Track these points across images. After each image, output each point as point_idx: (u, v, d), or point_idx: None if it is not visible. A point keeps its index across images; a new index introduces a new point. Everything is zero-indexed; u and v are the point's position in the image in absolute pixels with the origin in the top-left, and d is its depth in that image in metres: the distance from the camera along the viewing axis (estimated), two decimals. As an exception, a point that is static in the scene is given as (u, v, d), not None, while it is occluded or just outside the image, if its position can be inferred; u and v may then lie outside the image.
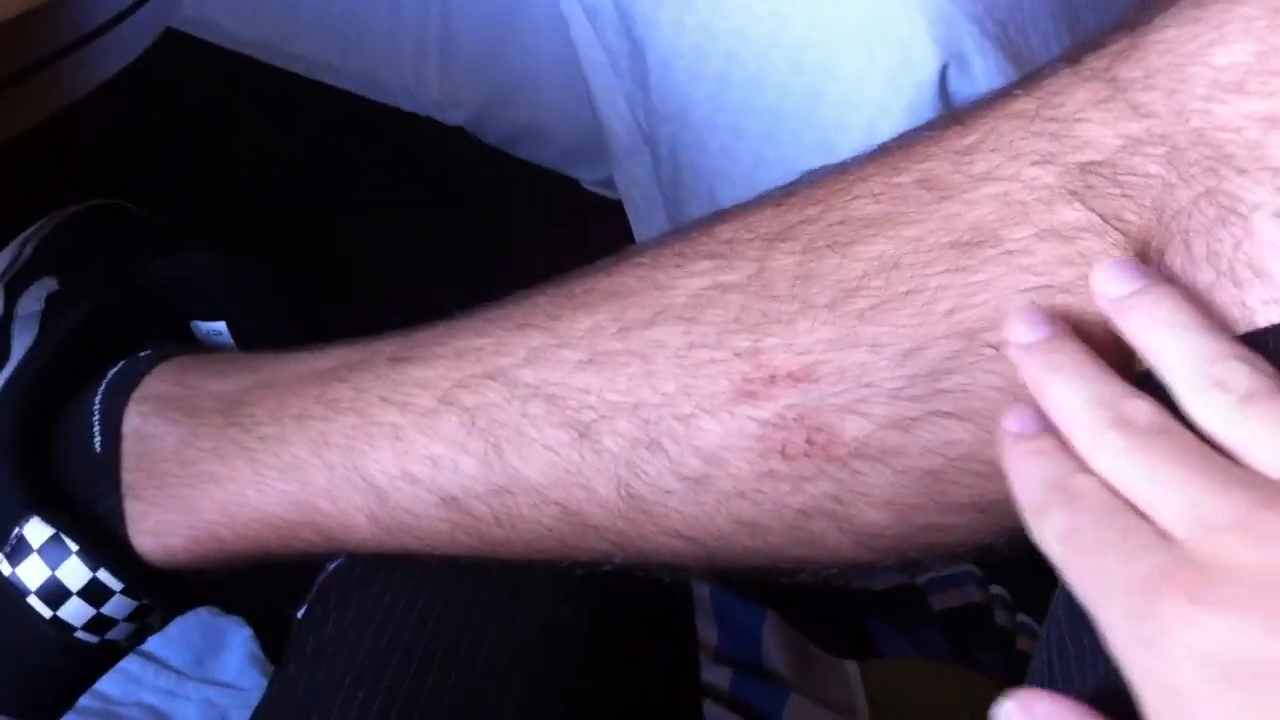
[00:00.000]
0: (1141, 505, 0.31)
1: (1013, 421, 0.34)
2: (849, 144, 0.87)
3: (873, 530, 0.39)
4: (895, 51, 0.87)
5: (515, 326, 0.43)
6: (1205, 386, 0.32)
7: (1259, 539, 0.28)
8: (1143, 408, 0.32)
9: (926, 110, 0.86)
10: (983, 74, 0.87)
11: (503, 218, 1.05)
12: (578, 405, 0.41)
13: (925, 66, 0.85)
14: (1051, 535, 0.31)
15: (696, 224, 0.43)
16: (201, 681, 0.96)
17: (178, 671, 0.95)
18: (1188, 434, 0.31)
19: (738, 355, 0.40)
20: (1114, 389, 0.33)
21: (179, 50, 0.75)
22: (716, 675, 0.75)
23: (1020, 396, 0.36)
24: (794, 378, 0.39)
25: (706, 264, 0.41)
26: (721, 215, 0.43)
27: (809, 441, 0.39)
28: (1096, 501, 0.31)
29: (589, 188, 1.09)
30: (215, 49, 1.04)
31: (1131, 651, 0.29)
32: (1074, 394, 0.33)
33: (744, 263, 0.41)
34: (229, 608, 0.95)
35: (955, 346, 0.38)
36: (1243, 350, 0.32)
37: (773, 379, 0.39)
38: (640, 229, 1.00)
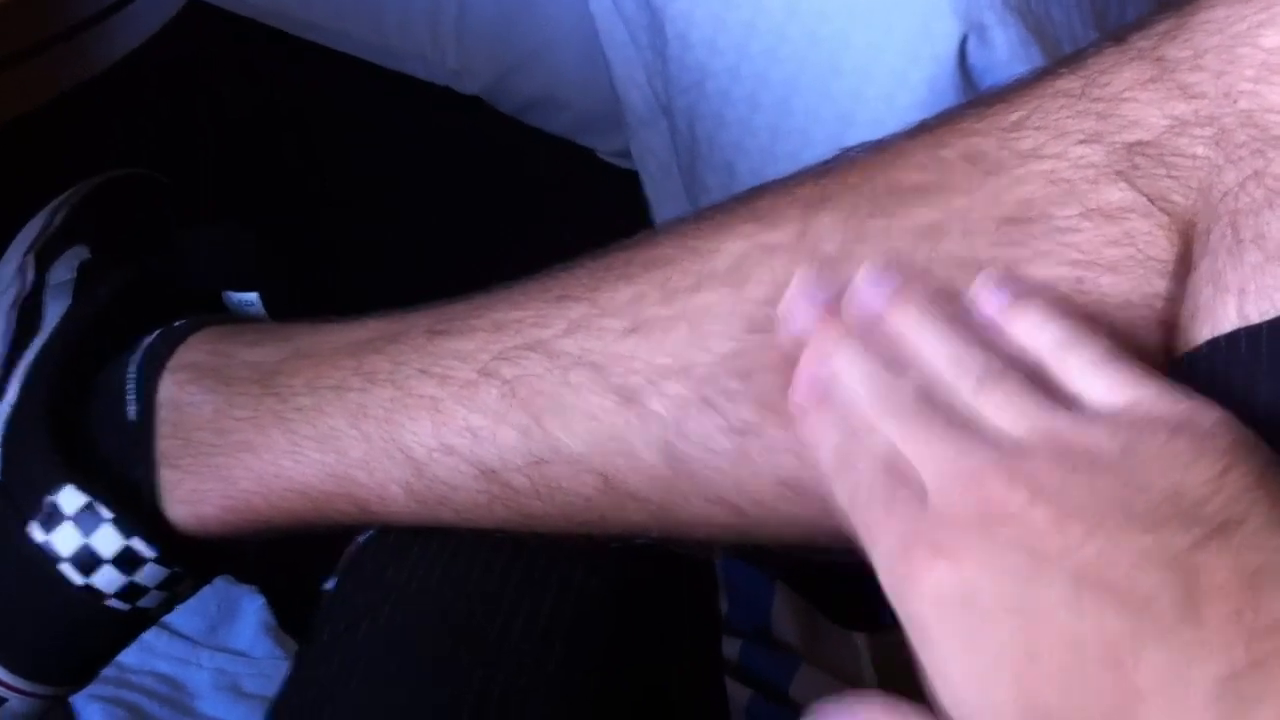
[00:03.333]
0: (907, 466, 0.35)
1: (801, 393, 0.38)
2: (867, 116, 0.87)
3: None
4: (914, 22, 0.86)
5: (554, 298, 0.43)
6: (957, 373, 0.36)
7: (983, 495, 0.33)
8: (907, 387, 0.36)
9: (946, 82, 0.85)
10: (1004, 45, 0.87)
11: (518, 187, 1.05)
12: (623, 371, 0.41)
13: (945, 38, 0.85)
14: (842, 494, 0.36)
15: (734, 198, 0.43)
16: (214, 649, 0.97)
17: (191, 639, 0.96)
18: (945, 407, 0.35)
19: (794, 309, 0.40)
20: (890, 366, 0.36)
21: (195, 18, 0.74)
22: (727, 646, 0.75)
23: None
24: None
25: (748, 227, 0.41)
26: (758, 189, 0.43)
27: None
28: (871, 465, 0.35)
29: (604, 158, 1.08)
30: (230, 16, 1.03)
31: (894, 594, 0.33)
32: (856, 368, 0.37)
33: (786, 223, 0.41)
34: (243, 576, 0.96)
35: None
36: (977, 338, 0.36)
37: (829, 327, 0.39)
38: (656, 199, 1.00)
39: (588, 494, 0.42)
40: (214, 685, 0.96)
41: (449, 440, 0.43)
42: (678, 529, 0.42)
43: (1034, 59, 0.86)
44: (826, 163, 0.42)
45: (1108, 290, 0.37)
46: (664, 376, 0.41)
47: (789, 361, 0.39)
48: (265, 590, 0.98)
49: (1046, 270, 0.37)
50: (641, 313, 0.41)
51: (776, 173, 0.98)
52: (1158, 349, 0.37)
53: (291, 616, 0.97)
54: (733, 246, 0.41)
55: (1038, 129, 0.38)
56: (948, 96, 0.86)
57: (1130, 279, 0.37)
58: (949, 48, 0.84)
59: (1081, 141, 0.38)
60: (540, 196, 1.05)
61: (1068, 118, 0.38)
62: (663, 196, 1.00)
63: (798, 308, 0.39)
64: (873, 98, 0.87)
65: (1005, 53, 0.85)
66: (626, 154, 1.04)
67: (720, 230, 0.42)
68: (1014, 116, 0.39)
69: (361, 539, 0.47)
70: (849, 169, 0.41)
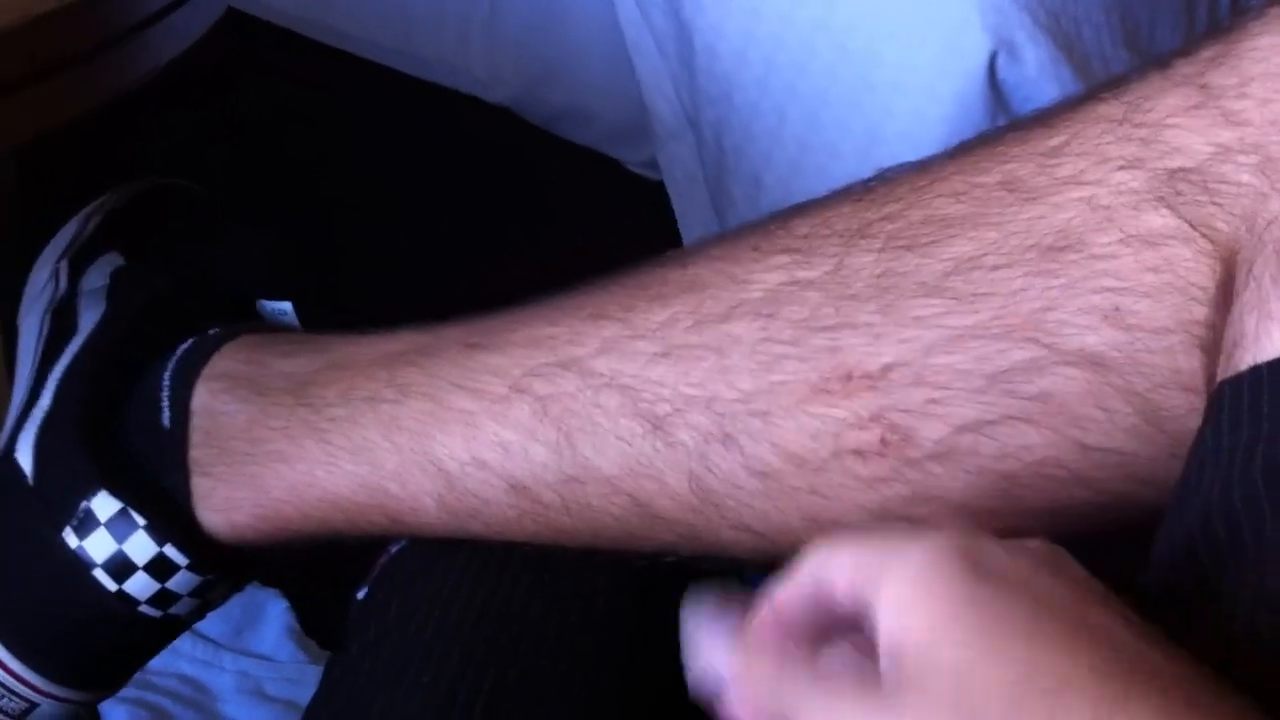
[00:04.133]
0: None
1: None
2: (895, 130, 0.87)
3: None
4: (944, 38, 0.86)
5: (588, 316, 0.43)
6: None
7: None
8: None
9: (975, 97, 0.85)
10: (1033, 62, 0.87)
11: (545, 197, 1.05)
12: (652, 398, 0.41)
13: (974, 54, 0.85)
14: None
15: (772, 219, 0.44)
16: (238, 653, 0.97)
17: (215, 642, 0.96)
18: None
19: (815, 353, 0.40)
20: None
21: (222, 23, 0.75)
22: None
23: (1107, 407, 0.36)
24: (870, 378, 0.39)
25: (784, 258, 0.42)
26: (799, 210, 0.43)
27: (884, 442, 0.39)
28: None
29: (632, 169, 1.08)
30: (258, 23, 1.03)
31: None
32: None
33: (822, 259, 0.41)
34: (267, 580, 0.96)
35: (1034, 352, 0.38)
36: None
37: (849, 378, 0.39)
38: (683, 211, 1.00)
39: (617, 514, 0.42)
40: (237, 688, 0.96)
41: (481, 454, 0.43)
42: (706, 550, 0.43)
43: (1063, 77, 0.86)
44: (867, 184, 0.43)
45: (1145, 316, 0.37)
46: (690, 406, 0.41)
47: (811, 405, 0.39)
48: (289, 594, 0.98)
49: (1084, 299, 0.37)
50: (672, 338, 0.42)
51: (803, 186, 0.98)
52: (1195, 374, 0.36)
53: (315, 621, 0.97)
54: (768, 278, 0.41)
55: (1078, 155, 0.38)
56: (977, 112, 0.86)
57: (1168, 306, 0.37)
58: (978, 63, 0.84)
59: (1122, 167, 0.38)
60: (567, 207, 1.05)
61: (1109, 143, 0.38)
62: (689, 207, 1.00)
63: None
64: (902, 112, 0.87)
65: (1035, 69, 0.85)
66: (654, 165, 1.04)
67: (757, 259, 0.42)
68: (1054, 142, 0.39)
69: (394, 549, 0.47)
70: (887, 196, 0.41)
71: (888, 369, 0.39)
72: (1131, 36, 0.92)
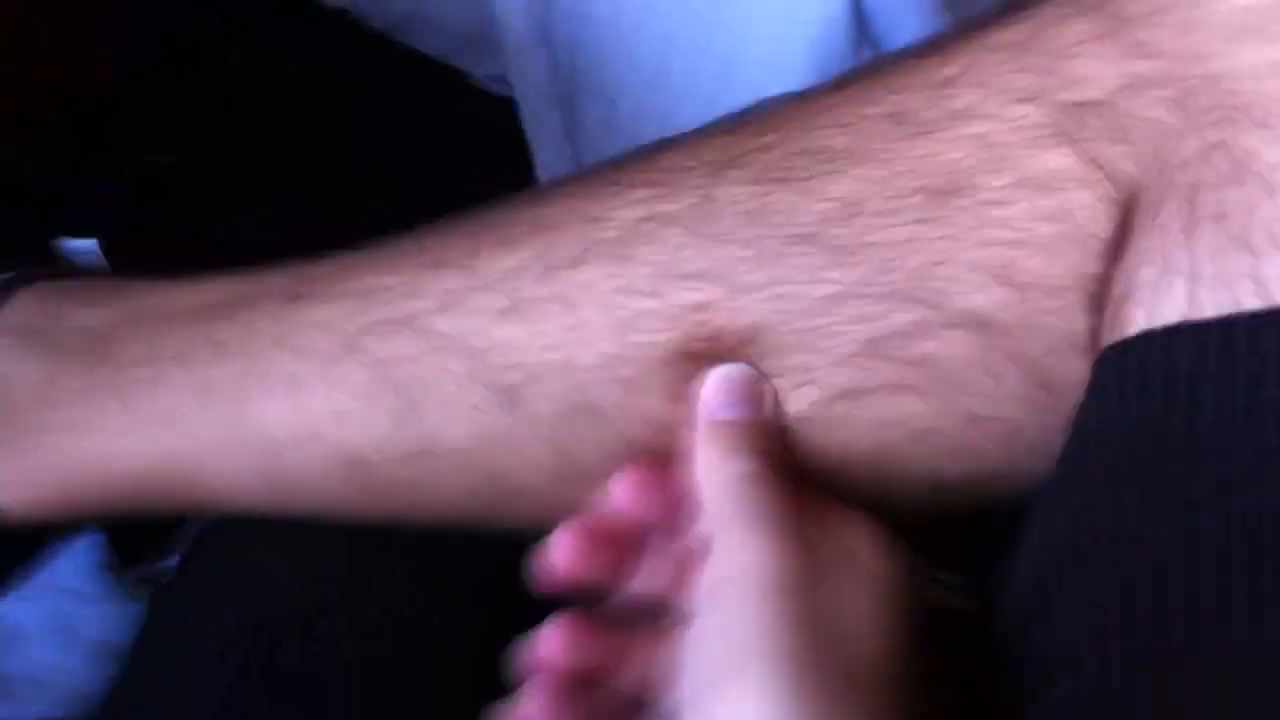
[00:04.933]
0: None
1: None
2: (755, 54, 0.84)
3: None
4: (808, -43, 0.83)
5: (429, 263, 0.39)
6: None
7: None
8: None
9: (838, 23, 0.83)
10: None
11: (386, 107, 0.99)
12: (502, 363, 0.37)
13: (842, -24, 0.82)
14: None
15: (638, 152, 0.40)
16: (46, 589, 0.91)
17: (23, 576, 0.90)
18: None
19: (678, 309, 0.36)
20: None
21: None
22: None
23: (996, 373, 0.34)
24: (741, 339, 0.36)
25: (644, 192, 0.38)
26: (667, 142, 0.39)
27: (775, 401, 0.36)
28: None
29: (481, 83, 1.03)
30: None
31: None
32: None
33: (686, 191, 0.37)
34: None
35: (919, 314, 0.35)
36: None
37: (718, 339, 0.36)
38: (535, 131, 0.95)
39: (471, 488, 0.38)
40: (49, 626, 0.90)
41: (311, 424, 0.39)
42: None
43: (925, 6, 0.84)
44: (743, 114, 0.39)
45: (1039, 273, 0.34)
46: (546, 374, 0.37)
47: (676, 370, 0.36)
48: (104, 527, 0.92)
49: (973, 252, 0.34)
50: (520, 289, 0.38)
51: (658, 109, 0.94)
52: (1084, 335, 0.34)
53: (130, 557, 0.91)
54: (625, 214, 0.37)
55: (974, 85, 0.35)
56: (840, 39, 0.83)
57: (1065, 260, 0.34)
58: None
59: (1021, 100, 0.34)
60: (410, 118, 1.00)
61: (1008, 73, 0.34)
62: (540, 127, 0.95)
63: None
64: (763, 36, 0.84)
65: None
66: (504, 79, 0.99)
67: (616, 193, 0.38)
68: (948, 70, 0.35)
69: (202, 523, 0.42)
70: (764, 125, 0.37)
71: (758, 329, 0.36)
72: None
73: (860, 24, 0.87)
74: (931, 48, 0.36)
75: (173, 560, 0.42)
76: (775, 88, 0.86)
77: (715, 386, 0.36)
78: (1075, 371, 0.34)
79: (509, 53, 0.96)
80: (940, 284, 0.34)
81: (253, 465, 0.40)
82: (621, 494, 0.36)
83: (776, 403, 0.36)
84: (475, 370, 0.37)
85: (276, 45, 0.97)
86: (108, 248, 0.47)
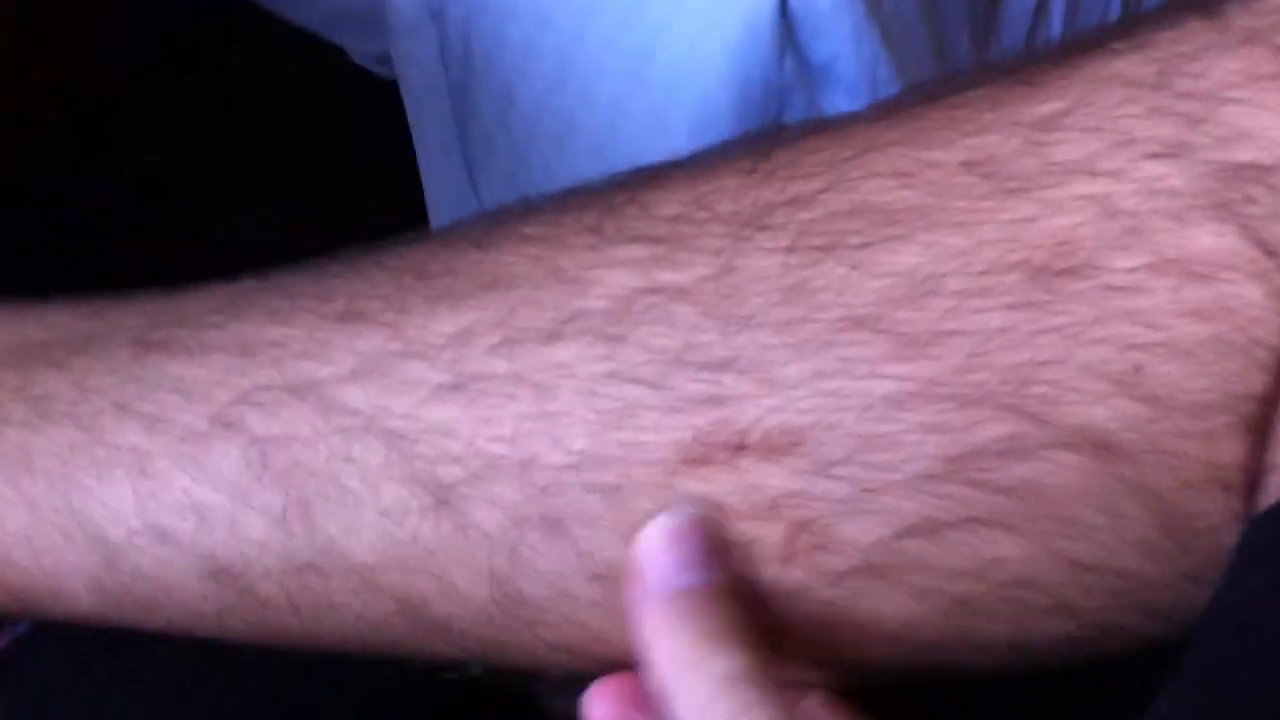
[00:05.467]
0: None
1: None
2: (670, 54, 0.77)
3: (861, 667, 0.28)
4: (733, -49, 0.77)
5: (335, 315, 0.30)
6: None
7: None
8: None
9: (764, 26, 0.77)
10: None
11: (256, 85, 0.89)
12: (434, 454, 0.28)
13: (769, -26, 0.76)
14: None
15: (615, 184, 0.31)
16: None
17: None
18: None
19: (688, 402, 0.28)
20: None
21: None
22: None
23: (1114, 510, 0.26)
24: (772, 447, 0.27)
25: (638, 250, 0.29)
26: (653, 177, 0.31)
27: (789, 542, 0.27)
28: None
29: (358, 61, 0.94)
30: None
31: None
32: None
33: (698, 256, 0.29)
34: None
35: (1016, 426, 0.27)
36: None
37: (740, 446, 0.27)
38: (418, 121, 0.87)
39: (375, 619, 0.29)
40: None
41: (161, 520, 0.30)
42: (509, 666, 0.30)
43: (856, 12, 0.79)
44: (754, 149, 0.30)
45: (1179, 384, 0.26)
46: (494, 473, 0.28)
47: (677, 482, 0.27)
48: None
49: (1091, 352, 0.26)
50: (467, 362, 0.29)
51: (561, 106, 0.87)
52: (1233, 472, 0.26)
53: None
54: (614, 279, 0.29)
55: (1086, 131, 0.27)
56: (764, 43, 0.77)
57: (1216, 372, 0.26)
58: None
59: (1156, 155, 0.26)
60: (279, 100, 0.90)
61: (1136, 117, 0.27)
62: (426, 118, 0.87)
63: None
64: (680, 33, 0.78)
65: (827, 2, 0.77)
66: (386, 60, 0.90)
67: (595, 246, 0.29)
68: (1047, 108, 0.27)
69: (20, 628, 0.32)
70: (794, 168, 0.29)
71: (800, 435, 0.27)
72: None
73: (786, 28, 0.81)
74: (1013, 73, 0.28)
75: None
76: (689, 91, 0.80)
77: (661, 543, 0.27)
78: (1213, 516, 0.27)
79: (393, 30, 0.88)
80: (1045, 390, 0.26)
81: (79, 568, 0.30)
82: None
83: (747, 557, 0.27)
84: (394, 462, 0.28)
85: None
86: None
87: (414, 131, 0.88)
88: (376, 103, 0.90)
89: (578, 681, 0.31)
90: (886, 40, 0.83)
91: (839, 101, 0.81)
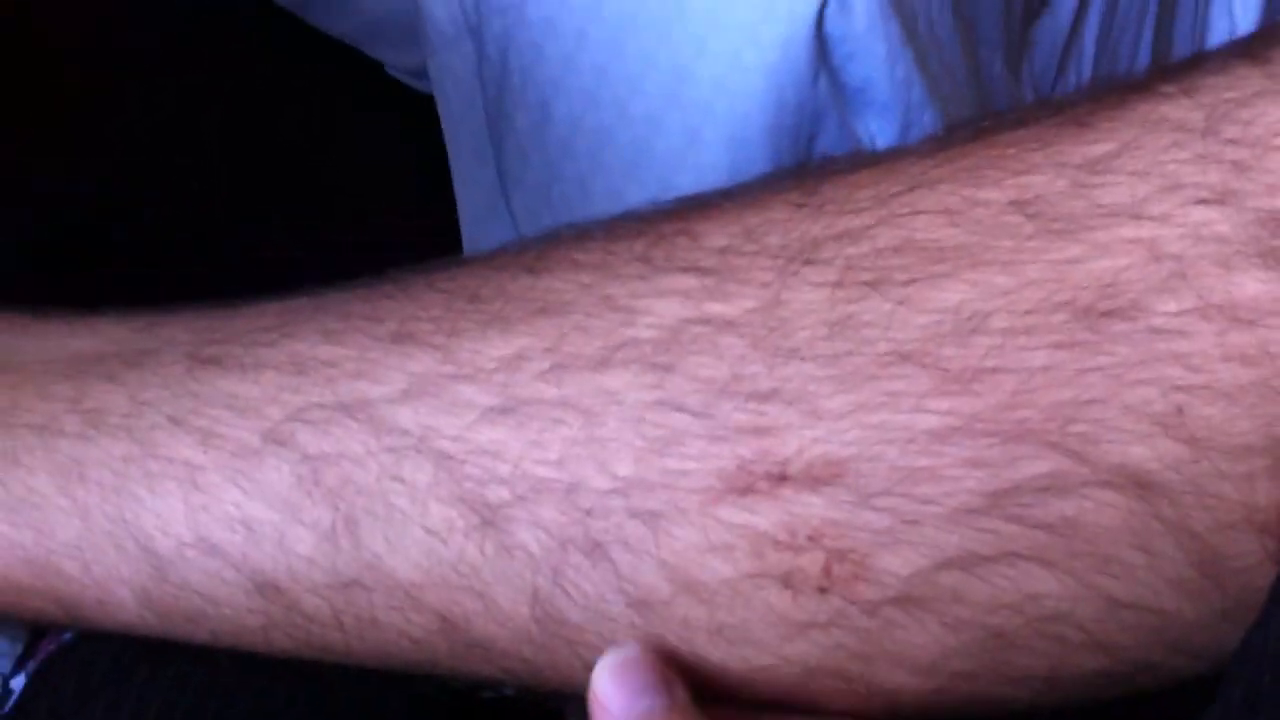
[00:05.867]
0: None
1: None
2: (707, 72, 0.77)
3: (896, 699, 0.28)
4: (773, -27, 0.77)
5: (388, 337, 0.30)
6: None
7: None
8: None
9: (801, 46, 0.77)
10: (863, 14, 0.79)
11: (290, 97, 0.89)
12: (483, 475, 0.29)
13: None
14: None
15: (662, 215, 0.31)
16: None
17: None
18: None
19: (733, 432, 0.28)
20: None
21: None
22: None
23: (1151, 549, 0.26)
24: (815, 477, 0.27)
25: (688, 281, 0.29)
26: (699, 207, 0.31)
27: (827, 572, 0.27)
28: None
29: (397, 75, 0.94)
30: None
31: None
32: None
33: (745, 288, 0.29)
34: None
35: (1058, 463, 0.27)
36: None
37: (783, 475, 0.27)
38: (454, 136, 0.87)
39: (417, 635, 0.30)
40: None
41: (210, 533, 0.30)
42: (545, 689, 0.30)
43: (891, 35, 0.79)
44: (801, 181, 0.30)
45: (1219, 426, 0.26)
46: (540, 495, 0.28)
47: (718, 508, 0.27)
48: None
49: (1135, 393, 0.26)
50: (517, 386, 0.29)
51: (597, 123, 0.87)
52: (1270, 514, 0.26)
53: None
54: (663, 309, 0.29)
55: (1134, 175, 0.27)
56: (800, 64, 0.77)
57: (1258, 415, 0.26)
58: (808, 9, 0.75)
59: (1203, 201, 0.26)
60: (316, 111, 0.90)
61: (1182, 163, 0.27)
62: (462, 132, 0.87)
63: None
64: (719, 51, 0.78)
65: (864, 23, 0.77)
66: (423, 73, 0.90)
67: (645, 275, 0.29)
68: (1096, 150, 0.27)
69: (66, 636, 0.33)
70: (843, 203, 0.29)
71: (841, 465, 0.27)
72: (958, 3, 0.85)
73: (822, 50, 0.81)
74: (1059, 113, 0.28)
75: (17, 683, 0.33)
76: (723, 109, 0.80)
77: (616, 675, 0.28)
78: (1248, 556, 0.27)
79: (430, 44, 0.88)
80: (1088, 429, 0.26)
81: (127, 579, 0.30)
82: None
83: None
84: (442, 482, 0.28)
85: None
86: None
87: (449, 144, 0.88)
88: (399, 113, 0.90)
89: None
90: (921, 63, 0.83)
91: (872, 124, 0.81)
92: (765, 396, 0.28)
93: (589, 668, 0.29)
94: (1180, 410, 0.26)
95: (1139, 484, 0.26)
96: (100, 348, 0.33)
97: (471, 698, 0.35)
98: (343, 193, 0.81)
